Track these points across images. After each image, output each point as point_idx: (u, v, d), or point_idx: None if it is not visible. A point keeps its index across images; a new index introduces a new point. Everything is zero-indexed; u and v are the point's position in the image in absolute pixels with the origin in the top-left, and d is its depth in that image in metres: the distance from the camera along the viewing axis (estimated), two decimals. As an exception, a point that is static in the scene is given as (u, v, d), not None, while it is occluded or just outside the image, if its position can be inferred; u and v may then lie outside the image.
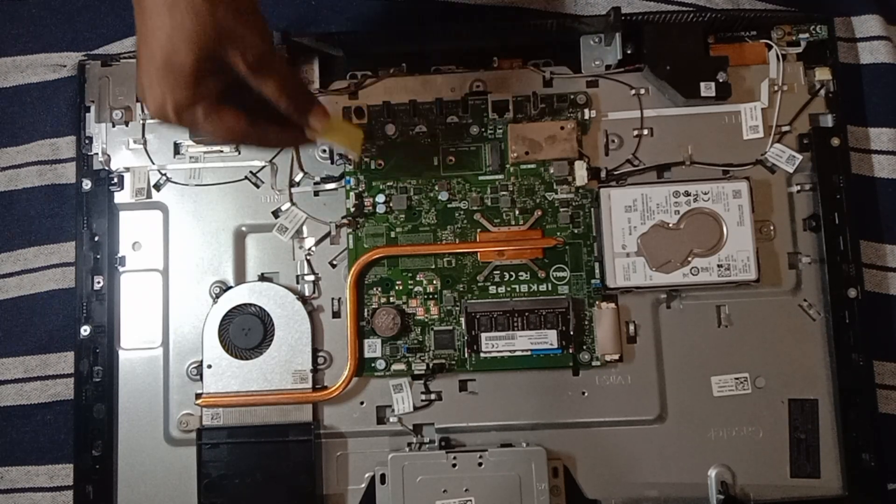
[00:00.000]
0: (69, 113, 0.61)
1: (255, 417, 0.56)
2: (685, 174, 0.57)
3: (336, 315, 0.58)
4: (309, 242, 0.58)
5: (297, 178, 0.59)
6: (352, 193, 0.58)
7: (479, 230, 0.58)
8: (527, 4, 0.62)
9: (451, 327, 0.57)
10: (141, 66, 0.41)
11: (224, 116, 0.43)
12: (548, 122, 0.58)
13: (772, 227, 0.57)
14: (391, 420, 0.56)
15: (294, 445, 0.55)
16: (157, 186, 0.59)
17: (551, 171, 0.57)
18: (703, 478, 0.55)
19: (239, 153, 0.59)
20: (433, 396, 0.56)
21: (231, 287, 0.58)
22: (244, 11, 0.42)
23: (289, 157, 0.59)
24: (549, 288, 0.57)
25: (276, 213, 0.58)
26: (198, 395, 0.56)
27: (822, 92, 0.58)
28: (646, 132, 0.58)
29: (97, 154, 0.59)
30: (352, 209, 0.58)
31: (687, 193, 0.55)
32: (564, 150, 0.57)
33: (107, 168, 0.59)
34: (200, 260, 0.58)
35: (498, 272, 0.57)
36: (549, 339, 0.55)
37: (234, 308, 0.57)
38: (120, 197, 0.59)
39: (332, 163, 0.59)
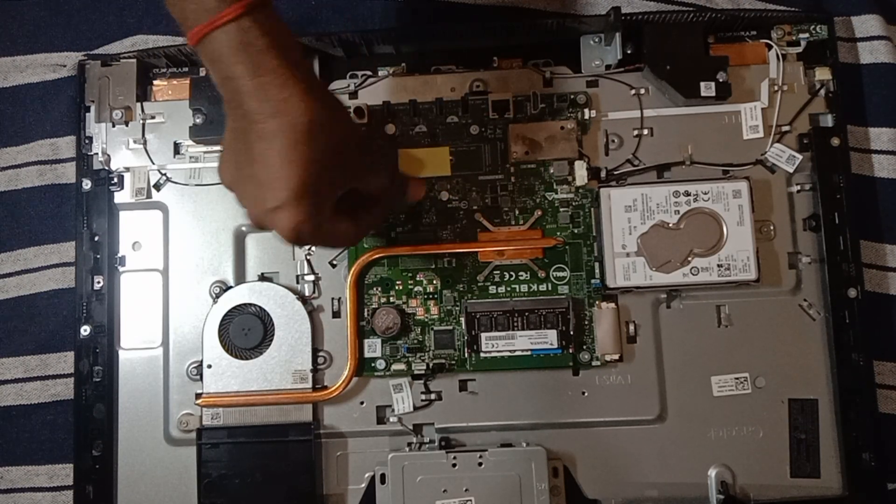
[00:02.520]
0: (69, 113, 0.61)
1: (255, 417, 0.56)
2: (685, 174, 0.57)
3: (336, 315, 0.58)
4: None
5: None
6: (352, 193, 0.58)
7: (479, 230, 0.58)
8: (527, 4, 0.62)
9: (451, 327, 0.57)
10: (262, 192, 0.41)
11: (340, 226, 0.45)
12: (548, 122, 0.58)
13: (772, 227, 0.57)
14: (391, 420, 0.56)
15: (294, 445, 0.55)
16: (157, 186, 0.59)
17: (551, 171, 0.57)
18: (703, 478, 0.55)
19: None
20: (433, 396, 0.56)
21: (231, 287, 0.58)
22: (356, 129, 0.46)
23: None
24: (549, 288, 0.57)
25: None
26: (198, 395, 0.56)
27: (822, 92, 0.58)
28: (646, 132, 0.58)
29: (97, 154, 0.59)
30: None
31: (687, 193, 0.55)
32: (564, 150, 0.57)
33: (107, 168, 0.59)
34: (200, 260, 0.58)
35: (498, 272, 0.57)
36: (549, 339, 0.55)
37: (234, 308, 0.57)
38: (120, 197, 0.59)
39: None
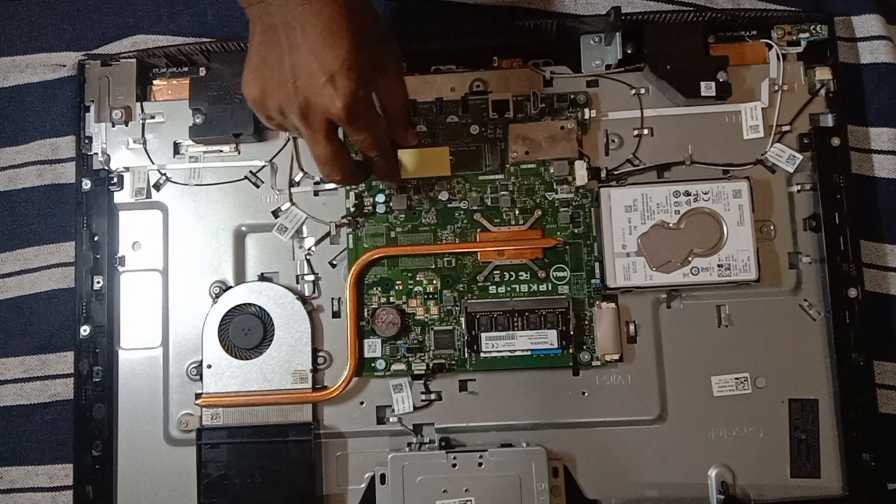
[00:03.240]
0: (69, 113, 0.61)
1: (255, 417, 0.56)
2: (685, 174, 0.57)
3: (336, 315, 0.58)
4: (309, 242, 0.58)
5: (297, 178, 0.59)
6: (352, 193, 0.58)
7: (479, 230, 0.58)
8: (527, 4, 0.62)
9: (451, 327, 0.57)
10: (309, 72, 0.42)
11: (380, 122, 0.47)
12: (548, 121, 0.58)
13: (772, 227, 0.57)
14: (391, 420, 0.56)
15: (294, 445, 0.55)
16: (157, 186, 0.59)
17: (551, 170, 0.57)
18: (703, 478, 0.55)
19: (239, 153, 0.59)
20: (433, 396, 0.56)
21: (231, 287, 0.58)
22: (381, 18, 0.47)
23: (289, 157, 0.59)
24: (549, 288, 0.57)
25: (276, 213, 0.58)
26: (198, 395, 0.56)
27: (823, 92, 0.58)
28: (646, 132, 0.58)
29: (97, 154, 0.59)
30: (352, 209, 0.58)
31: (687, 193, 0.55)
32: (564, 150, 0.57)
33: (106, 168, 0.59)
34: (200, 260, 0.58)
35: (498, 272, 0.57)
36: (549, 338, 0.55)
37: (233, 308, 0.57)
38: (120, 197, 0.59)
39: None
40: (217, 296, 0.57)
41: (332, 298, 0.58)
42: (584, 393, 0.56)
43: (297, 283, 0.58)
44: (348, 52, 0.42)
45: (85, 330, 0.58)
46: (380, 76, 0.47)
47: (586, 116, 0.58)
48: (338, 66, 0.42)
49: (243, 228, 0.59)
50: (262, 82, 0.44)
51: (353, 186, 0.58)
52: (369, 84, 0.44)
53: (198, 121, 0.58)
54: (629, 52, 0.58)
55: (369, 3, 0.45)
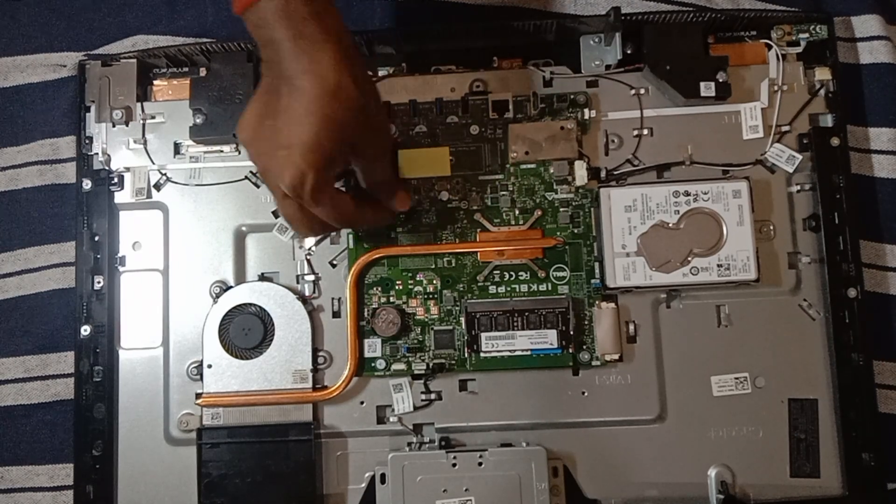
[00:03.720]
0: (69, 113, 0.61)
1: (255, 417, 0.56)
2: (685, 174, 0.57)
3: (336, 315, 0.58)
4: (309, 242, 0.58)
5: (297, 178, 0.59)
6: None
7: (479, 230, 0.58)
8: (527, 4, 0.62)
9: (451, 327, 0.57)
10: (278, 139, 0.44)
11: (341, 200, 0.48)
12: (548, 122, 0.58)
13: (772, 227, 0.57)
14: (391, 420, 0.56)
15: (294, 445, 0.55)
16: (158, 186, 0.59)
17: (551, 171, 0.57)
18: (703, 477, 0.55)
19: (239, 153, 0.59)
20: (433, 396, 0.56)
21: (231, 287, 0.58)
22: (380, 109, 0.48)
23: (289, 157, 0.59)
24: (549, 288, 0.57)
25: (276, 213, 0.58)
26: (198, 395, 0.56)
27: (822, 92, 0.58)
28: (646, 132, 0.58)
29: (97, 154, 0.59)
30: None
31: (687, 193, 0.55)
32: (564, 150, 0.57)
33: (107, 168, 0.59)
34: (200, 260, 0.58)
35: (498, 272, 0.57)
36: (549, 338, 0.55)
37: (234, 308, 0.57)
38: (120, 197, 0.59)
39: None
40: (217, 296, 0.57)
41: (333, 298, 0.58)
42: (583, 393, 0.56)
43: (298, 283, 0.58)
44: (314, 134, 0.43)
45: (85, 330, 0.58)
46: (358, 159, 0.48)
47: (586, 116, 0.58)
48: (297, 143, 0.43)
49: (244, 228, 0.59)
50: (250, 130, 0.45)
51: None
52: (330, 168, 0.45)
53: (198, 121, 0.58)
54: (629, 52, 0.58)
55: (371, 91, 0.47)
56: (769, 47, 0.58)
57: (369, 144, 0.48)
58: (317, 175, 0.44)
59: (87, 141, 0.60)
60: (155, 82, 0.61)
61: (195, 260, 0.58)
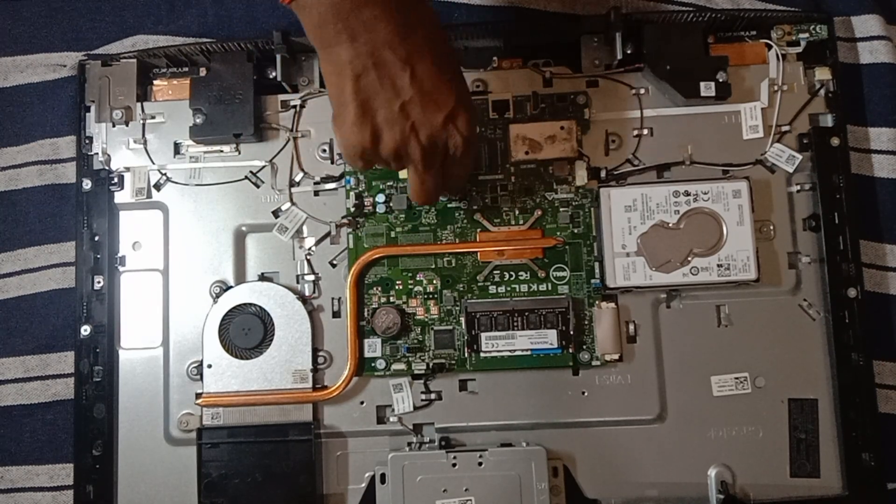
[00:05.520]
0: (69, 113, 0.61)
1: (255, 417, 0.56)
2: (685, 174, 0.57)
3: (336, 315, 0.58)
4: (309, 242, 0.58)
5: (297, 178, 0.59)
6: (352, 193, 0.58)
7: (479, 230, 0.58)
8: (527, 4, 0.62)
9: (451, 327, 0.57)
10: (431, 102, 0.43)
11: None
12: (548, 122, 0.58)
13: (772, 227, 0.57)
14: (391, 420, 0.56)
15: (294, 445, 0.55)
16: (158, 186, 0.59)
17: (551, 170, 0.57)
18: (703, 477, 0.55)
19: (239, 153, 0.59)
20: (433, 396, 0.56)
21: (231, 287, 0.58)
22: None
23: (289, 157, 0.59)
24: (549, 288, 0.57)
25: (276, 213, 0.58)
26: (198, 395, 0.56)
27: (822, 92, 0.58)
28: (646, 132, 0.58)
29: (97, 154, 0.59)
30: (352, 209, 0.58)
31: (687, 193, 0.55)
32: (564, 150, 0.57)
33: (107, 168, 0.59)
34: (200, 260, 0.58)
35: (498, 272, 0.57)
36: (549, 338, 0.55)
37: (234, 308, 0.57)
38: (120, 197, 0.59)
39: (332, 162, 0.59)
40: (217, 296, 0.57)
41: (333, 298, 0.58)
42: (583, 393, 0.56)
43: (298, 282, 0.58)
44: (460, 83, 0.43)
45: (85, 330, 0.58)
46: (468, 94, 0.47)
47: (586, 116, 0.58)
48: (454, 101, 0.43)
49: (243, 228, 0.59)
50: (371, 127, 0.43)
51: (353, 186, 0.58)
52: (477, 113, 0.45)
53: (198, 121, 0.58)
54: (629, 52, 0.58)
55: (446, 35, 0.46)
56: (769, 47, 0.58)
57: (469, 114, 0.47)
58: (473, 107, 0.44)
59: (87, 141, 0.60)
60: (155, 82, 0.61)
61: (195, 260, 0.58)
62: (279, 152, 0.59)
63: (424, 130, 0.43)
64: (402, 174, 0.57)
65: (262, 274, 0.58)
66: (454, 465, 0.54)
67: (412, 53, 0.41)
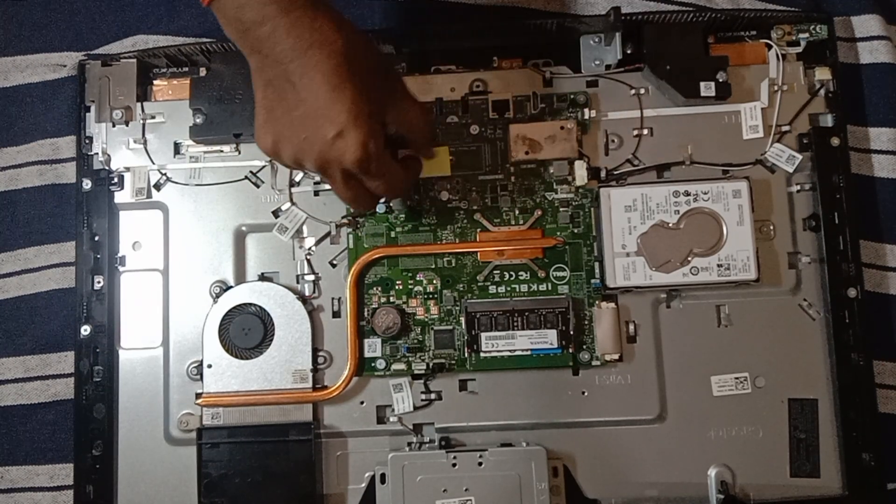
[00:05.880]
0: (69, 113, 0.61)
1: (255, 417, 0.56)
2: (685, 174, 0.57)
3: (336, 315, 0.58)
4: (309, 242, 0.58)
5: (297, 178, 0.59)
6: (352, 193, 0.58)
7: (479, 230, 0.58)
8: (527, 4, 0.62)
9: (451, 327, 0.57)
10: (317, 127, 0.42)
11: (392, 161, 0.46)
12: (548, 122, 0.58)
13: (772, 227, 0.57)
14: (391, 420, 0.56)
15: (294, 445, 0.55)
16: (158, 186, 0.59)
17: (551, 170, 0.57)
18: (703, 477, 0.55)
19: (239, 153, 0.59)
20: (433, 396, 0.56)
21: (231, 287, 0.58)
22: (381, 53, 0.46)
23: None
24: (549, 288, 0.57)
25: (276, 213, 0.58)
26: (198, 395, 0.56)
27: (822, 92, 0.58)
28: (646, 132, 0.58)
29: (97, 154, 0.59)
30: (352, 209, 0.58)
31: (687, 193, 0.55)
32: (564, 150, 0.57)
33: (107, 168, 0.59)
34: (200, 260, 0.58)
35: (498, 272, 0.57)
36: (549, 338, 0.55)
37: (234, 308, 0.57)
38: (120, 197, 0.59)
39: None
40: (217, 295, 0.57)
41: (333, 298, 0.58)
42: (583, 393, 0.56)
43: (298, 282, 0.58)
44: (353, 102, 0.41)
45: (85, 330, 0.58)
46: (390, 110, 0.46)
47: (586, 116, 0.58)
48: (345, 120, 0.41)
49: (244, 228, 0.59)
50: (273, 135, 0.43)
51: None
52: (379, 128, 0.44)
53: (198, 121, 0.58)
54: (629, 52, 0.58)
55: (366, 39, 0.44)
56: (769, 47, 0.58)
57: (395, 88, 0.46)
58: (376, 139, 0.42)
59: (87, 141, 0.60)
60: (155, 82, 0.61)
61: (195, 260, 0.58)
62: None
63: (315, 146, 0.43)
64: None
65: (262, 274, 0.58)
66: (454, 465, 0.54)
67: (306, 71, 0.41)
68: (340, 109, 0.41)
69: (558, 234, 0.57)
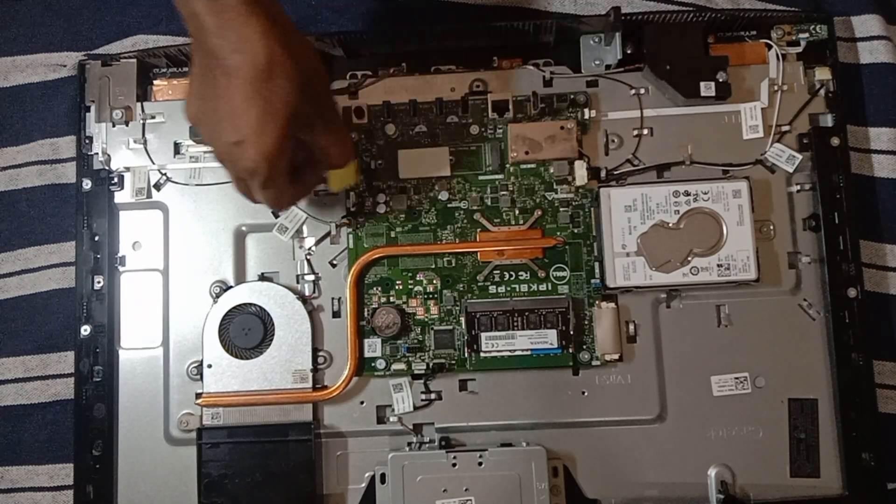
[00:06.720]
0: (69, 113, 0.61)
1: (255, 417, 0.56)
2: (685, 174, 0.57)
3: (336, 315, 0.58)
4: (309, 242, 0.58)
5: (297, 178, 0.59)
6: (352, 193, 0.58)
7: (479, 230, 0.58)
8: (527, 4, 0.62)
9: (451, 327, 0.57)
10: (224, 128, 0.42)
11: (291, 186, 0.47)
12: (548, 121, 0.58)
13: (772, 227, 0.57)
14: (391, 420, 0.56)
15: (294, 445, 0.55)
16: (158, 186, 0.59)
17: (551, 170, 0.57)
18: (703, 477, 0.55)
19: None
20: (433, 396, 0.56)
21: (231, 287, 0.58)
22: (321, 73, 0.45)
23: (289, 157, 0.59)
24: (549, 288, 0.57)
25: (276, 213, 0.58)
26: (198, 395, 0.56)
27: (822, 92, 0.58)
28: (646, 132, 0.58)
29: (97, 154, 0.59)
30: (352, 209, 0.58)
31: (687, 193, 0.55)
32: (564, 150, 0.57)
33: (107, 168, 0.59)
34: (200, 260, 0.58)
35: (498, 272, 0.57)
36: (549, 338, 0.55)
37: (234, 308, 0.57)
38: (120, 197, 0.59)
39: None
40: (217, 295, 0.57)
41: (333, 298, 0.58)
42: (583, 393, 0.56)
43: (298, 282, 0.58)
44: (260, 118, 0.41)
45: (85, 330, 0.58)
46: (307, 131, 0.46)
47: (586, 116, 0.58)
48: (247, 132, 0.41)
49: (243, 228, 0.59)
50: (195, 110, 0.44)
51: (354, 186, 0.58)
52: (283, 146, 0.43)
53: (198, 121, 0.58)
54: (629, 52, 0.58)
55: (303, 53, 0.43)
56: (769, 47, 0.58)
57: (322, 110, 0.46)
58: (273, 157, 0.42)
59: (87, 141, 0.60)
60: (155, 82, 0.61)
61: (195, 260, 0.58)
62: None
63: (218, 142, 0.43)
64: (402, 174, 0.57)
65: (262, 274, 0.58)
66: (454, 465, 0.54)
67: (226, 73, 0.41)
68: (246, 121, 0.41)
69: (558, 234, 0.57)
